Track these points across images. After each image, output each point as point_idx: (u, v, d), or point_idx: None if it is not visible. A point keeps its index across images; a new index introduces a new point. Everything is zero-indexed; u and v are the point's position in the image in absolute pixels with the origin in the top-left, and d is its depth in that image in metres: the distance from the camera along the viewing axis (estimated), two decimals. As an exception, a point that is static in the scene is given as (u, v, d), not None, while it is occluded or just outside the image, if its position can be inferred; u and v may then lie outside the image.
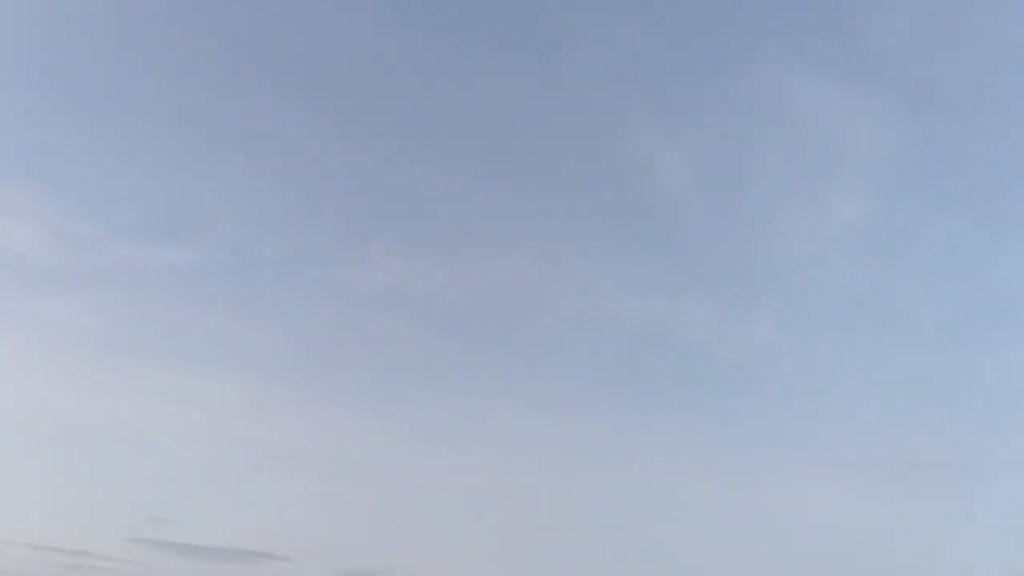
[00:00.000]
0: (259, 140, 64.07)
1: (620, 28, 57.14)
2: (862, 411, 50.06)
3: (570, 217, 62.93)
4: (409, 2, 59.02)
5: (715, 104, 58.12)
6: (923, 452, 46.99)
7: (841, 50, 55.18)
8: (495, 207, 70.36)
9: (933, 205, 53.52)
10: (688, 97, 58.30)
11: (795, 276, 56.49)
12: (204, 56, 60.31)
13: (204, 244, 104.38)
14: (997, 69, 52.74)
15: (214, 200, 74.75)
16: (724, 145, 58.08)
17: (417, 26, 58.36)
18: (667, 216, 59.27)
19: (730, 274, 58.09)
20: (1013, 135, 51.50)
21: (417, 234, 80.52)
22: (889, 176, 53.86)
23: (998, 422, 47.74)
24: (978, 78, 52.94)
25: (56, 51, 60.36)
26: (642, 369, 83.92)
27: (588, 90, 58.83)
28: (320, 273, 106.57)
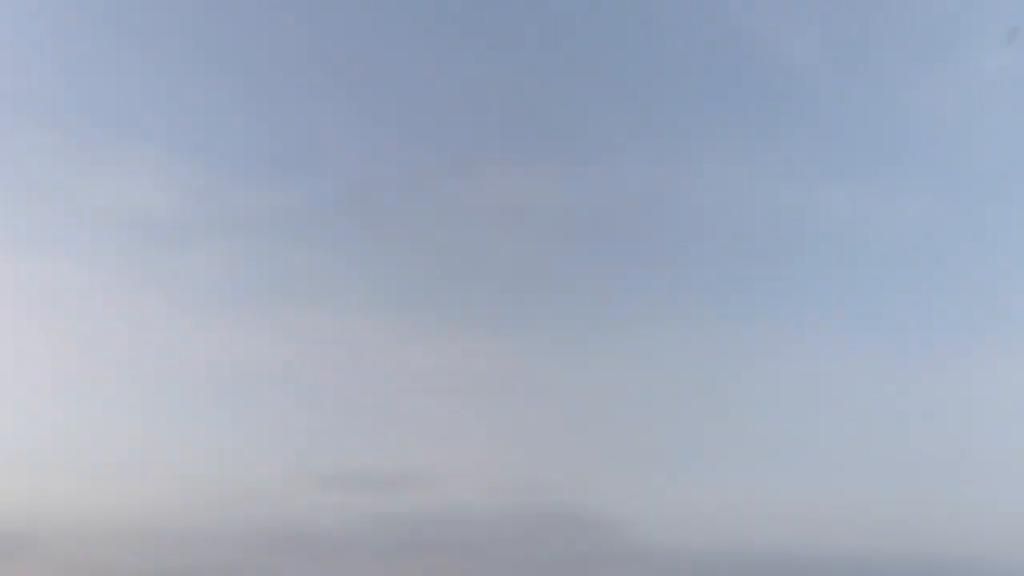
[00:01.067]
0: (365, 66, 63.79)
1: None
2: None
3: (693, 108, 60.51)
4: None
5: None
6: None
7: None
8: (613, 106, 68.73)
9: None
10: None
11: (946, 141, 52.56)
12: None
13: (320, 180, 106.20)
14: None
15: (326, 135, 75.83)
16: (852, 5, 53.98)
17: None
18: (797, 95, 55.97)
19: (872, 149, 54.59)
20: None
21: (534, 143, 79.71)
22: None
23: None
24: None
25: (160, 5, 61.34)
26: (783, 264, 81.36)
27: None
28: (438, 194, 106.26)
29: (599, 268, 76.52)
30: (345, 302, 72.80)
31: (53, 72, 63.02)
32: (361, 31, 62.95)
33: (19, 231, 64.55)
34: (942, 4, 52.68)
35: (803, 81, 57.00)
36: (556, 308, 73.43)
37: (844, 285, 60.58)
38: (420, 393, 72.04)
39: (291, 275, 69.35)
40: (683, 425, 65.97)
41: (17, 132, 64.67)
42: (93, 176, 68.68)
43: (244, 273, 71.66)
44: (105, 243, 66.22)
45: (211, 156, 70.60)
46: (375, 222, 72.88)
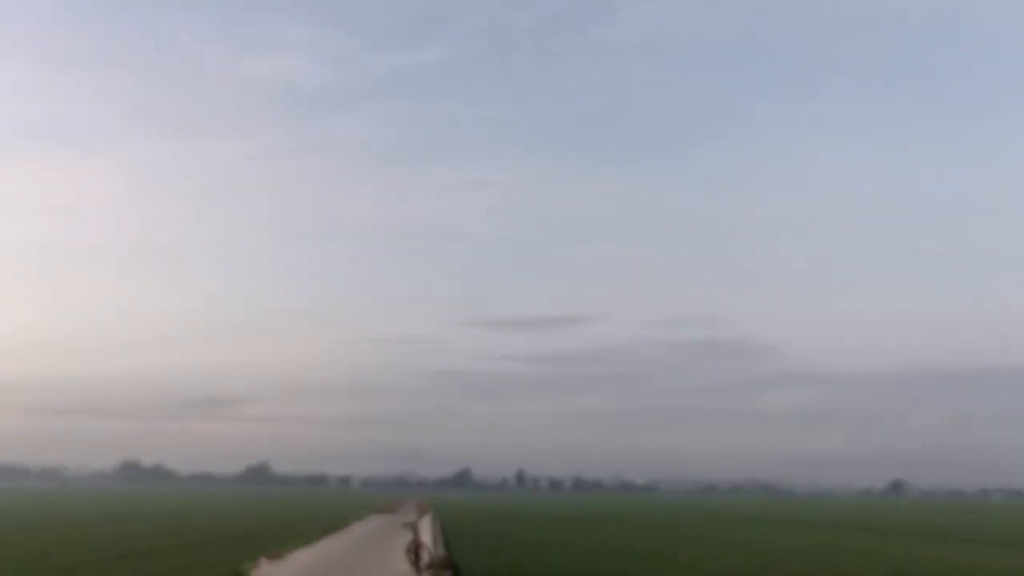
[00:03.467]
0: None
1: None
2: None
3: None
4: None
5: None
6: None
7: None
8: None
9: None
10: None
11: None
12: None
13: (459, 36, 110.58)
14: None
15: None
16: None
17: None
18: None
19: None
20: None
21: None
22: None
23: None
24: None
25: None
26: (934, 66, 77.81)
27: None
28: (574, 37, 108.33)
29: (739, 93, 77.30)
30: (492, 155, 78.51)
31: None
32: None
33: (176, 115, 71.83)
34: None
35: None
36: (697, 139, 75.95)
37: (1002, 72, 57.24)
38: (573, 235, 78.26)
39: (437, 133, 75.82)
40: (833, 251, 67.72)
41: (167, 21, 70.35)
42: (241, 55, 74.41)
43: (393, 133, 78.95)
44: (260, 116, 73.16)
45: (351, 26, 76.76)
46: (515, 72, 77.28)
